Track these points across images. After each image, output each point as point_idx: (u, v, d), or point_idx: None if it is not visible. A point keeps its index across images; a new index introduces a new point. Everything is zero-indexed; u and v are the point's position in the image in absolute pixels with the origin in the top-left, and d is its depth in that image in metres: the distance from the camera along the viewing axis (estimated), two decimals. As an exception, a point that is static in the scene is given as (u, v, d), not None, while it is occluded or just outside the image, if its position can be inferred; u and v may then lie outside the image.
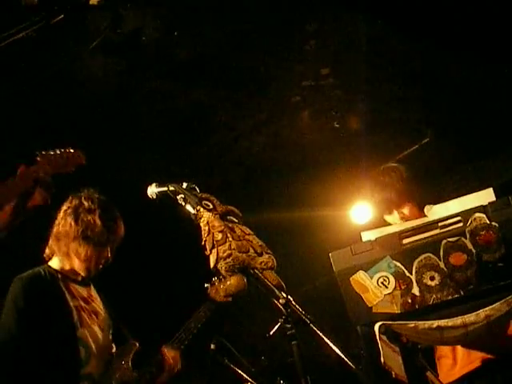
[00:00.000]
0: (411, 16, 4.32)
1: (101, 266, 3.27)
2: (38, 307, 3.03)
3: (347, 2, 4.26)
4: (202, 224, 2.14)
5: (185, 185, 2.28)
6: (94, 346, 3.12)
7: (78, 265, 3.23)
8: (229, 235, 2.10)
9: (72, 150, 2.93)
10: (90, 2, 2.84)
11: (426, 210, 3.24)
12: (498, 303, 2.53)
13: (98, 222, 3.21)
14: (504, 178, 5.68)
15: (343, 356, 1.92)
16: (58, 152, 2.87)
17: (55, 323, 3.05)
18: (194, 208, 2.18)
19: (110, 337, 3.27)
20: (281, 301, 2.00)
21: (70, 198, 3.29)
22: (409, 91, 5.23)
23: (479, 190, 2.92)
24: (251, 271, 2.08)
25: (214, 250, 2.09)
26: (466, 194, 2.98)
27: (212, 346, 3.86)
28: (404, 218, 3.36)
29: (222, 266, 2.08)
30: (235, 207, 2.25)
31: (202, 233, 2.13)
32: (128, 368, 3.27)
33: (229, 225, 2.14)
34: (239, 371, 3.79)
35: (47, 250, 3.28)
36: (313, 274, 5.95)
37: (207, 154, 5.53)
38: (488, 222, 2.58)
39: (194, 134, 5.25)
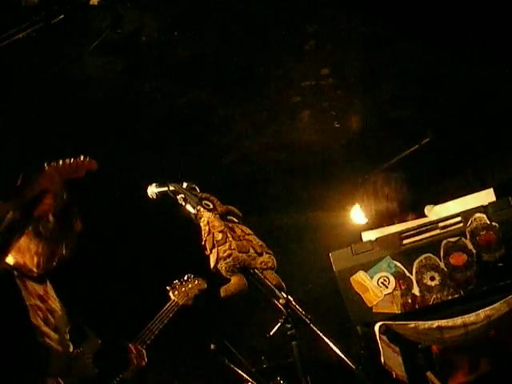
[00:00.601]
0: (411, 16, 4.32)
1: (54, 263, 3.15)
2: None
3: (347, 2, 4.26)
4: (202, 224, 2.14)
5: (185, 185, 2.28)
6: (51, 346, 3.02)
7: (29, 261, 3.11)
8: (229, 235, 2.10)
9: (82, 157, 2.86)
10: (90, 2, 2.83)
11: (426, 210, 3.24)
12: (498, 303, 2.53)
13: (52, 218, 3.08)
14: (504, 179, 5.68)
15: (343, 356, 1.92)
16: (69, 161, 2.81)
17: (11, 323, 2.92)
18: (194, 208, 2.18)
19: (67, 335, 3.17)
20: (281, 301, 2.00)
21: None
22: (409, 91, 5.23)
23: (479, 191, 2.93)
24: (251, 271, 2.08)
25: (215, 250, 2.09)
26: (466, 195, 2.98)
27: (212, 346, 3.86)
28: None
29: (222, 265, 2.08)
30: (235, 207, 2.25)
31: (203, 233, 2.13)
32: (90, 365, 3.22)
33: (229, 225, 2.14)
34: (239, 371, 3.78)
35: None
36: (313, 274, 5.94)
37: (207, 153, 5.53)
38: (488, 222, 2.59)
39: (194, 133, 5.25)
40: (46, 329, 3.05)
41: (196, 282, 4.24)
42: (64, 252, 3.17)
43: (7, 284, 3.02)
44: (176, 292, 4.07)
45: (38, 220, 2.79)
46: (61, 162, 2.79)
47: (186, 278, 4.23)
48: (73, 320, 3.28)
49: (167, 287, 4.10)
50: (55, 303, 3.21)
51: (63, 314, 3.21)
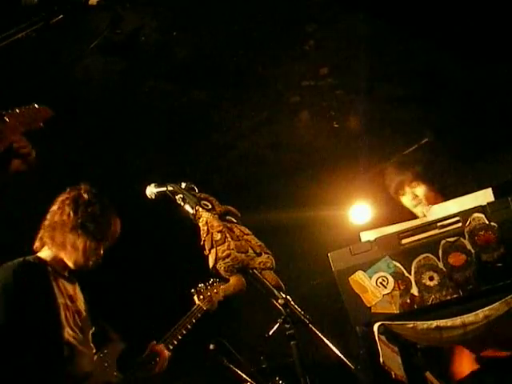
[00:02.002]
0: (411, 16, 4.32)
1: (91, 263, 3.15)
2: (29, 297, 2.92)
3: (347, 2, 4.26)
4: (200, 224, 2.14)
5: (184, 185, 2.27)
6: (77, 346, 3.02)
7: (70, 257, 3.11)
8: (228, 235, 2.10)
9: (36, 105, 2.76)
10: (90, 2, 2.82)
11: (425, 210, 3.25)
12: (496, 303, 2.53)
13: (98, 213, 3.13)
14: (503, 179, 5.67)
15: (342, 356, 1.92)
16: (24, 109, 2.74)
17: (43, 318, 2.93)
18: (192, 208, 2.18)
19: (90, 337, 3.18)
20: (280, 301, 2.00)
21: (68, 189, 3.19)
22: (409, 91, 5.23)
23: (478, 191, 2.93)
24: (250, 271, 2.08)
25: (213, 250, 2.09)
26: (464, 195, 2.98)
27: (211, 347, 3.86)
28: (417, 200, 3.41)
29: (220, 266, 2.08)
30: (234, 207, 2.25)
31: (201, 233, 2.13)
32: (112, 369, 3.21)
33: (228, 225, 2.14)
34: (239, 371, 3.79)
35: (37, 242, 3.16)
36: (312, 274, 5.94)
37: (207, 154, 5.53)
38: (487, 222, 2.59)
39: (194, 133, 5.25)
40: (73, 328, 3.05)
41: (222, 286, 4.15)
42: (102, 253, 3.19)
43: (43, 278, 3.01)
44: (201, 296, 3.95)
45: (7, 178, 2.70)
46: (17, 110, 2.69)
47: (211, 282, 4.09)
48: (97, 323, 3.27)
49: (192, 290, 3.98)
50: (81, 305, 3.21)
51: (88, 317, 3.20)
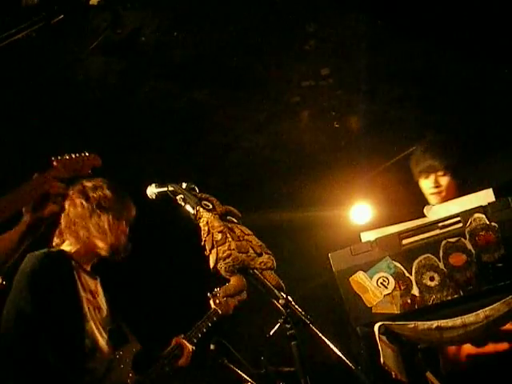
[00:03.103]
0: (411, 16, 4.32)
1: (122, 243, 3.15)
2: (54, 287, 2.88)
3: (347, 2, 4.26)
4: (201, 224, 2.14)
5: (184, 185, 2.27)
6: (99, 341, 3.01)
7: (101, 243, 3.11)
8: (228, 235, 2.10)
9: (87, 154, 2.85)
10: (90, 2, 2.83)
11: (425, 210, 3.24)
12: (497, 304, 2.53)
13: (109, 193, 3.14)
14: (504, 179, 5.67)
15: (343, 356, 1.92)
16: (73, 156, 2.80)
17: (67, 310, 2.89)
18: (193, 208, 2.18)
19: (107, 335, 3.15)
20: (280, 301, 2.00)
21: (70, 186, 3.11)
22: (409, 91, 5.23)
23: (479, 191, 2.93)
24: (251, 271, 2.08)
25: (214, 251, 2.09)
26: (465, 195, 2.98)
27: (212, 347, 3.86)
28: (437, 187, 3.41)
29: (221, 266, 2.08)
30: (235, 207, 2.25)
31: (202, 233, 2.13)
32: (128, 370, 3.19)
33: (228, 225, 2.14)
34: (239, 371, 3.78)
35: (57, 239, 3.14)
36: (312, 274, 5.94)
37: (207, 153, 5.53)
38: (487, 222, 2.59)
39: (193, 133, 5.25)
40: (95, 323, 3.04)
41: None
42: (127, 231, 3.20)
43: (67, 269, 2.99)
44: (217, 300, 3.93)
45: (47, 220, 2.72)
46: (67, 157, 2.76)
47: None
48: (116, 322, 3.25)
49: (208, 294, 3.96)
50: (102, 301, 3.19)
51: (108, 314, 3.19)
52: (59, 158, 2.72)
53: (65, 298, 2.90)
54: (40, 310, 2.80)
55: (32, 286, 2.83)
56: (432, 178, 3.48)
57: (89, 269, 3.16)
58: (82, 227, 3.10)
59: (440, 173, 3.48)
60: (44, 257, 2.93)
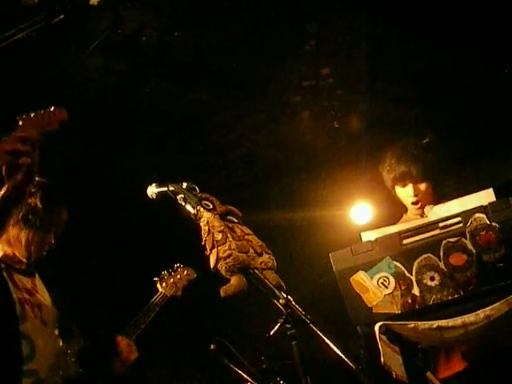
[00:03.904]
0: (411, 16, 4.32)
1: (44, 253, 3.09)
2: None
3: (347, 2, 4.26)
4: (201, 224, 2.14)
5: (185, 185, 2.27)
6: (38, 341, 2.94)
7: (19, 251, 3.04)
8: (229, 235, 2.10)
9: (52, 108, 2.69)
10: (90, 2, 2.83)
11: (425, 210, 3.24)
12: (497, 303, 2.53)
13: (40, 205, 3.03)
14: (504, 179, 5.67)
15: (343, 356, 1.92)
16: (39, 112, 2.64)
17: None
18: (193, 208, 2.18)
19: (56, 331, 3.09)
20: (281, 301, 2.00)
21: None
22: (409, 91, 5.23)
23: (479, 191, 2.92)
24: (251, 271, 2.08)
25: (214, 250, 2.09)
26: (466, 195, 2.98)
27: (212, 346, 3.85)
28: (416, 195, 3.33)
29: (222, 266, 2.08)
30: (235, 207, 2.25)
31: (202, 233, 2.13)
32: (74, 364, 3.12)
33: (229, 225, 2.14)
34: (239, 371, 3.78)
35: None
36: (313, 274, 5.94)
37: (207, 153, 5.53)
38: (488, 222, 2.59)
39: (194, 133, 5.25)
40: (33, 323, 2.97)
41: (185, 272, 4.03)
42: (52, 241, 3.11)
43: None
44: (164, 284, 3.87)
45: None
46: (33, 114, 2.63)
47: (174, 267, 4.01)
48: (61, 316, 3.18)
49: (155, 279, 3.90)
50: (44, 297, 3.13)
51: (53, 309, 3.13)
52: (24, 116, 2.60)
53: None
54: None
55: None
56: (410, 186, 3.36)
57: (23, 267, 3.09)
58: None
59: (417, 180, 3.35)
60: None
